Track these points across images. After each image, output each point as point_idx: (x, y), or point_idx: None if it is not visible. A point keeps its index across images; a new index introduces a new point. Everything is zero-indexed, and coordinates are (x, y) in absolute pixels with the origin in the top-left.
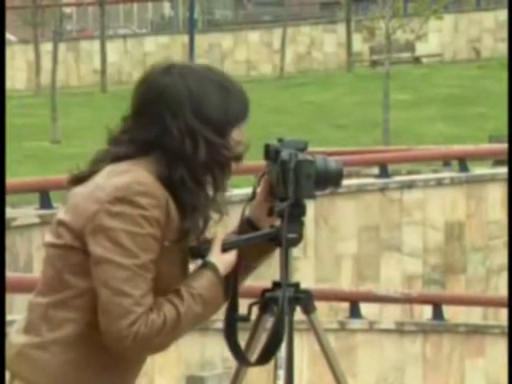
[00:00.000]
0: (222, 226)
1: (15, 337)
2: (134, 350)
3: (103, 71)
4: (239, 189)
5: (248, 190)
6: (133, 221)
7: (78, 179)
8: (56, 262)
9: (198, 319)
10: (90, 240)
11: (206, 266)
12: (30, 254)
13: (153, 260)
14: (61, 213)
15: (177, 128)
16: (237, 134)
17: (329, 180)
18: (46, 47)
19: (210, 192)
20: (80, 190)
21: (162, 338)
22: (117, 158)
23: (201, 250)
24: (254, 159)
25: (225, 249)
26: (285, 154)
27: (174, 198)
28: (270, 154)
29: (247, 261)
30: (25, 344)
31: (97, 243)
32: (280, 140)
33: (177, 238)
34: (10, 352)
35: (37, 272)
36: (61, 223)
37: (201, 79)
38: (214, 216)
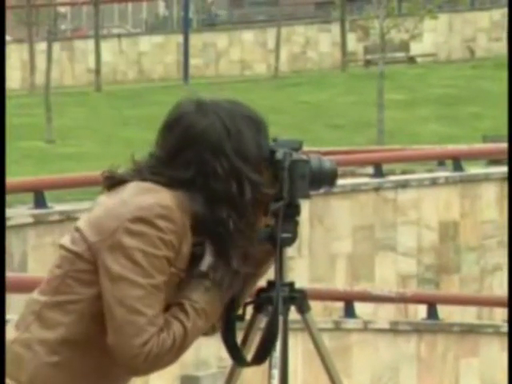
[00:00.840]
0: None
1: (7, 333)
2: (145, 368)
3: (98, 71)
4: None
5: None
6: (151, 242)
7: (112, 180)
8: (64, 265)
9: (199, 333)
10: (107, 256)
11: (205, 277)
12: (25, 254)
13: (165, 282)
14: (82, 219)
15: (221, 168)
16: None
17: (323, 180)
18: (41, 47)
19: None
20: (105, 202)
21: (171, 356)
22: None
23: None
24: None
25: None
26: (279, 154)
27: (208, 237)
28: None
29: (250, 268)
30: (13, 340)
31: (114, 260)
32: (274, 140)
33: (185, 265)
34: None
35: (31, 272)
36: (78, 230)
37: (234, 117)
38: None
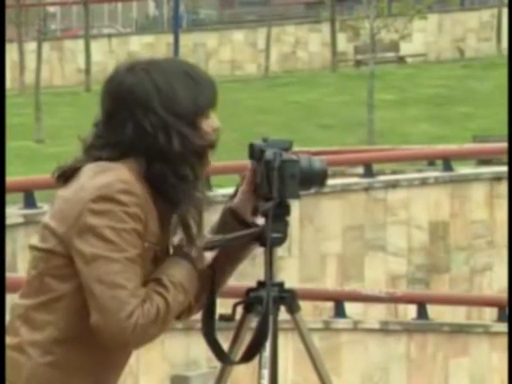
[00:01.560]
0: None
1: None
2: (134, 340)
3: (88, 70)
4: (223, 188)
5: (232, 190)
6: (117, 217)
7: (65, 177)
8: (39, 264)
9: (180, 307)
10: (78, 241)
11: (182, 256)
12: (15, 254)
13: (139, 255)
14: (47, 216)
15: (149, 124)
16: (208, 122)
17: (313, 180)
18: (30, 46)
19: (192, 182)
20: (64, 193)
21: (155, 328)
22: (99, 160)
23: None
24: (239, 159)
25: (208, 248)
26: (269, 154)
27: (160, 195)
28: (255, 153)
29: (233, 252)
30: (5, 346)
31: (85, 242)
32: (265, 139)
33: (157, 239)
34: None
35: (21, 272)
36: (46, 227)
37: (166, 73)
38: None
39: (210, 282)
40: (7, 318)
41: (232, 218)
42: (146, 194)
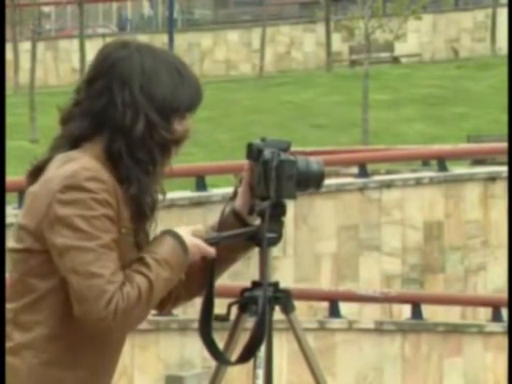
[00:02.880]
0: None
1: None
2: (117, 326)
3: (82, 70)
4: (219, 188)
5: (227, 190)
6: (86, 205)
7: (35, 172)
8: (18, 266)
9: (167, 284)
10: (49, 233)
11: (166, 232)
12: None
13: (114, 239)
14: (19, 217)
15: (121, 100)
16: (182, 122)
17: (310, 181)
18: (25, 46)
19: (149, 170)
20: (33, 189)
21: (140, 309)
22: (74, 140)
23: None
24: (234, 158)
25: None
26: (267, 154)
27: (115, 173)
28: (253, 153)
29: (231, 253)
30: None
31: (56, 234)
32: (263, 139)
33: (132, 223)
34: None
35: None
36: (20, 227)
37: (156, 58)
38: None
39: (209, 281)
40: None
41: (236, 220)
42: (112, 179)
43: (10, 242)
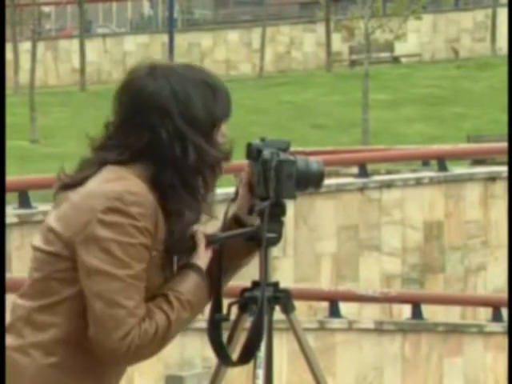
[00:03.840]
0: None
1: None
2: (127, 360)
3: (82, 70)
4: (219, 188)
5: (228, 190)
6: (125, 231)
7: (68, 186)
8: (43, 267)
9: (185, 324)
10: (82, 250)
11: (191, 267)
12: (9, 254)
13: (144, 269)
14: (51, 218)
15: (165, 132)
16: (222, 132)
17: (309, 181)
18: (25, 46)
19: (201, 194)
20: (72, 197)
21: (153, 347)
22: (105, 163)
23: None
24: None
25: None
26: (266, 154)
27: (163, 203)
28: (252, 153)
29: (235, 259)
30: (6, 346)
31: (89, 253)
32: (262, 139)
33: (164, 248)
34: None
35: (15, 272)
36: (51, 230)
37: (184, 80)
38: (203, 217)
39: (217, 284)
40: (7, 318)
41: (233, 222)
42: (155, 202)
43: (36, 240)
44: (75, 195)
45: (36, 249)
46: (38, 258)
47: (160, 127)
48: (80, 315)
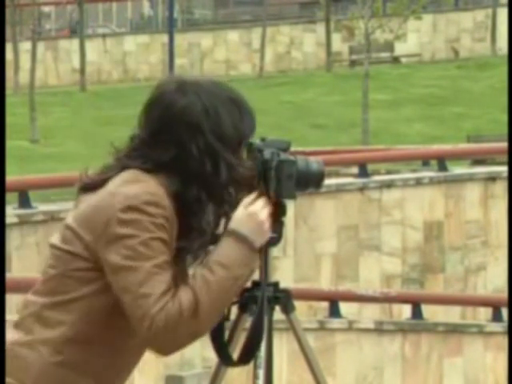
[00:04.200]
0: None
1: (6, 333)
2: (163, 345)
3: (82, 70)
4: None
5: None
6: (144, 227)
7: (89, 187)
8: (59, 265)
9: (231, 283)
10: (105, 250)
11: (224, 233)
12: (9, 254)
13: (168, 261)
14: (70, 217)
15: (196, 148)
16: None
17: (310, 181)
18: (25, 46)
19: (226, 211)
20: (92, 199)
21: (187, 325)
22: (127, 168)
23: None
24: None
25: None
26: (267, 154)
27: (185, 219)
28: (252, 152)
29: None
30: (14, 342)
31: (112, 252)
32: (263, 139)
33: (174, 255)
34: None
35: (15, 272)
36: (70, 229)
37: (214, 97)
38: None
39: None
40: (14, 315)
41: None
42: (172, 210)
43: (54, 238)
44: (95, 196)
45: (53, 246)
46: (54, 256)
47: (190, 143)
48: (92, 315)
